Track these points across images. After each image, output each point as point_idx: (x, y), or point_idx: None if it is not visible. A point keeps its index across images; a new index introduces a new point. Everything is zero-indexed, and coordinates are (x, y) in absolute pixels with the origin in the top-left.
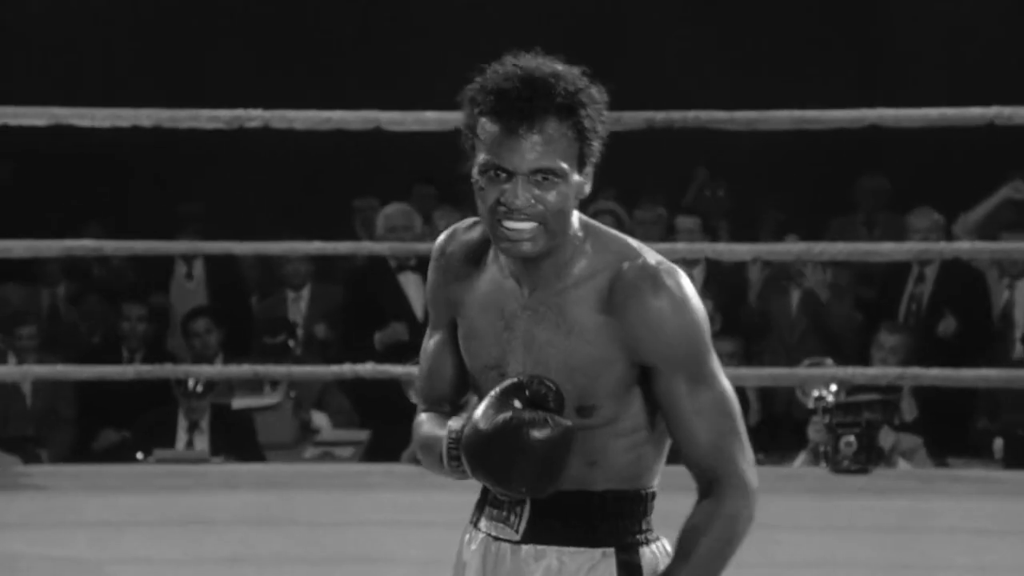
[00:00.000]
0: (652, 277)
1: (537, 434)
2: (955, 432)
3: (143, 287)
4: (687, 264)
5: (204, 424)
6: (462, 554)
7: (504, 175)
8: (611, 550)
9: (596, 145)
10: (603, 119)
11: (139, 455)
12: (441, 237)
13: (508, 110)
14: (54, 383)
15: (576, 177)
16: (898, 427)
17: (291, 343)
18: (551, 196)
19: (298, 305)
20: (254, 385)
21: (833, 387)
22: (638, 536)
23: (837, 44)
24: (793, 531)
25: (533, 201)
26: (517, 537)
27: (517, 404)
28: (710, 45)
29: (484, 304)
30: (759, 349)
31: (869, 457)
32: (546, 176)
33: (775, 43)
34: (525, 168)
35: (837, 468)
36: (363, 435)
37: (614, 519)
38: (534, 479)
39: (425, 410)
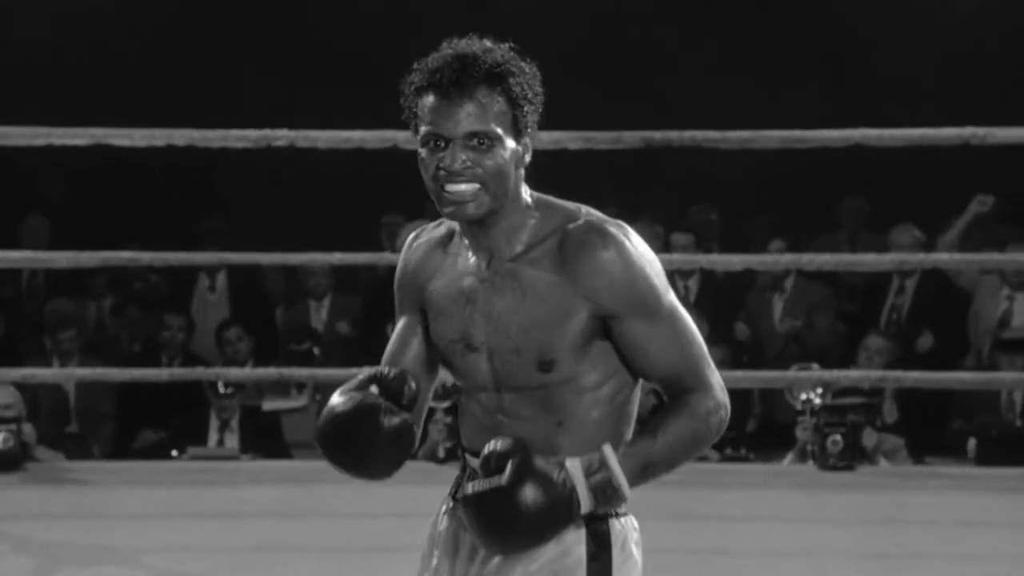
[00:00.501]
0: (598, 231)
1: (386, 423)
2: (932, 433)
3: (181, 299)
4: (682, 275)
5: (234, 424)
6: (438, 524)
7: (442, 143)
8: (582, 520)
9: (530, 113)
10: (536, 90)
11: (174, 452)
12: (412, 234)
13: (441, 82)
14: (96, 387)
15: (512, 143)
16: (880, 428)
17: (315, 350)
18: (487, 159)
19: (319, 314)
20: (282, 389)
21: (819, 390)
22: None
23: (824, 70)
24: (783, 523)
25: (470, 164)
26: None
27: (374, 390)
28: (710, 70)
29: (448, 285)
30: (748, 358)
31: (854, 455)
32: (481, 140)
33: (768, 68)
34: (460, 132)
35: (824, 465)
36: None
37: None
38: (378, 467)
39: None
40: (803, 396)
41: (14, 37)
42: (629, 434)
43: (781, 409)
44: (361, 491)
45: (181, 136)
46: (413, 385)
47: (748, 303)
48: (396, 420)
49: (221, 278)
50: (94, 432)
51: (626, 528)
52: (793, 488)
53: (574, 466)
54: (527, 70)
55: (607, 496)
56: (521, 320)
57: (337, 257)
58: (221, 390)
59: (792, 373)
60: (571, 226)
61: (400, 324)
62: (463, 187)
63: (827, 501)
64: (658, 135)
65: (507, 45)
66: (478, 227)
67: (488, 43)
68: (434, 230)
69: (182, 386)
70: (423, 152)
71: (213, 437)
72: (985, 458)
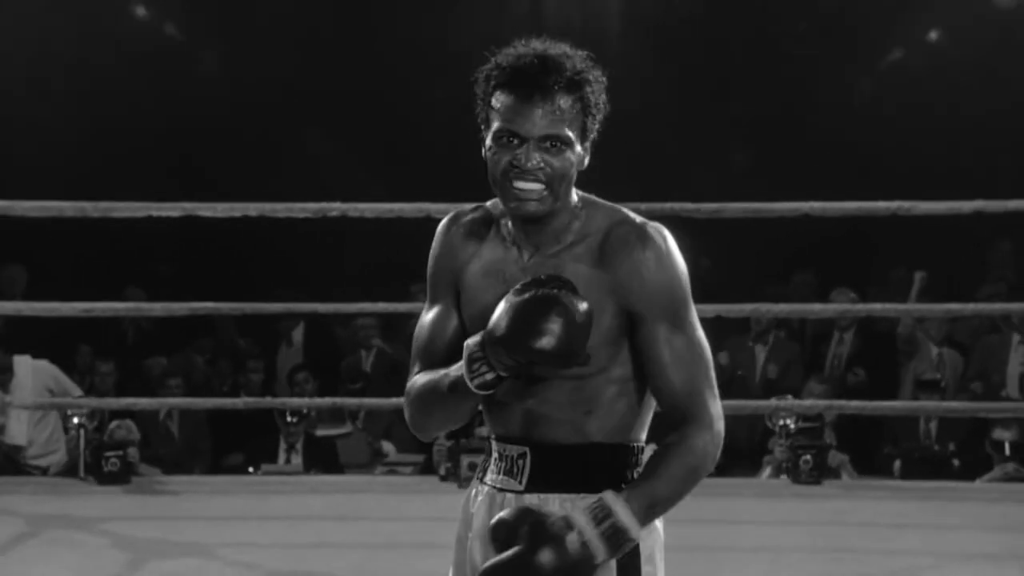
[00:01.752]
0: (640, 233)
1: (567, 300)
2: (866, 456)
3: (260, 351)
4: None
5: (299, 447)
6: (469, 507)
7: (517, 140)
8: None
9: (598, 120)
10: (604, 98)
11: (251, 469)
12: (445, 220)
13: (523, 82)
14: (195, 425)
15: (579, 148)
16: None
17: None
18: (557, 161)
19: (368, 360)
20: (337, 418)
21: (794, 418)
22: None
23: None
24: (755, 526)
25: (542, 164)
26: (521, 488)
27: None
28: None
29: (486, 271)
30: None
31: (821, 472)
32: (554, 143)
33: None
34: (536, 133)
35: (797, 480)
36: (420, 458)
37: (608, 468)
38: (565, 340)
39: (419, 372)
40: (780, 422)
41: (95, 120)
42: (649, 418)
43: (744, 437)
44: (397, 499)
45: (255, 208)
46: (568, 280)
47: (734, 352)
48: (574, 301)
49: (298, 333)
50: (193, 460)
51: None
52: (767, 497)
53: (582, 519)
54: (600, 79)
55: (618, 541)
56: None
57: (381, 307)
58: (289, 419)
59: (755, 402)
60: (615, 226)
61: (433, 312)
62: (532, 185)
63: (788, 507)
64: (643, 206)
65: (584, 53)
66: (532, 223)
67: (567, 48)
68: (469, 214)
69: (259, 418)
70: (494, 146)
71: (282, 457)
72: (908, 475)
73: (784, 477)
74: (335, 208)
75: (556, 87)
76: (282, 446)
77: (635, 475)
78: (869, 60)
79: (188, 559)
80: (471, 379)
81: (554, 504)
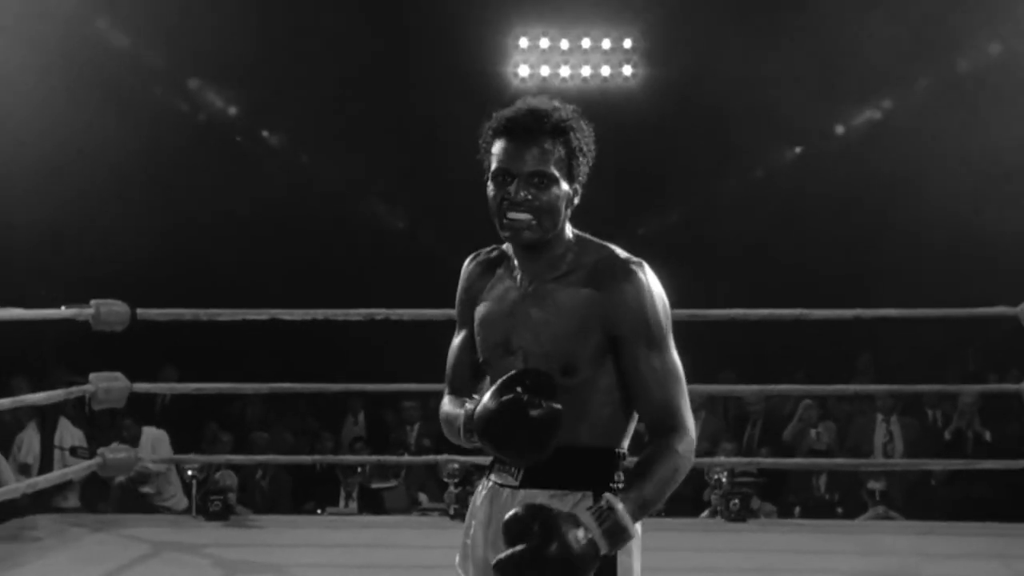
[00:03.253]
0: (623, 266)
1: (533, 413)
2: (775, 503)
3: (330, 429)
4: None
5: (354, 495)
6: (475, 501)
7: (509, 178)
8: (590, 493)
9: (583, 163)
10: (591, 146)
11: (318, 511)
12: (470, 256)
13: (514, 129)
14: (279, 477)
15: (565, 186)
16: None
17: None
18: (544, 195)
19: (411, 433)
20: (383, 475)
21: (725, 472)
22: (611, 484)
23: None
24: (697, 552)
25: (530, 197)
26: (516, 483)
27: (519, 390)
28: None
29: (495, 298)
30: None
31: (746, 513)
32: (541, 179)
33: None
34: (524, 170)
35: (727, 519)
36: (445, 505)
37: (593, 469)
38: (528, 449)
39: (448, 393)
40: (715, 476)
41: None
42: (631, 428)
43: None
44: (424, 533)
45: (323, 313)
46: (547, 376)
47: None
48: (539, 411)
49: (360, 416)
50: (277, 504)
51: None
52: (705, 532)
53: (587, 517)
54: (585, 128)
55: (618, 537)
56: (554, 330)
57: (413, 387)
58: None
59: (699, 459)
60: (602, 260)
61: (459, 338)
62: (522, 216)
63: (722, 538)
64: None
65: (572, 107)
66: (529, 253)
67: (556, 102)
68: (488, 254)
69: (325, 474)
70: (491, 186)
71: (342, 503)
72: (806, 516)
73: (718, 517)
74: (380, 313)
75: (543, 132)
76: (342, 495)
77: (617, 477)
78: (739, 171)
79: (269, 575)
80: (466, 441)
81: (542, 498)
